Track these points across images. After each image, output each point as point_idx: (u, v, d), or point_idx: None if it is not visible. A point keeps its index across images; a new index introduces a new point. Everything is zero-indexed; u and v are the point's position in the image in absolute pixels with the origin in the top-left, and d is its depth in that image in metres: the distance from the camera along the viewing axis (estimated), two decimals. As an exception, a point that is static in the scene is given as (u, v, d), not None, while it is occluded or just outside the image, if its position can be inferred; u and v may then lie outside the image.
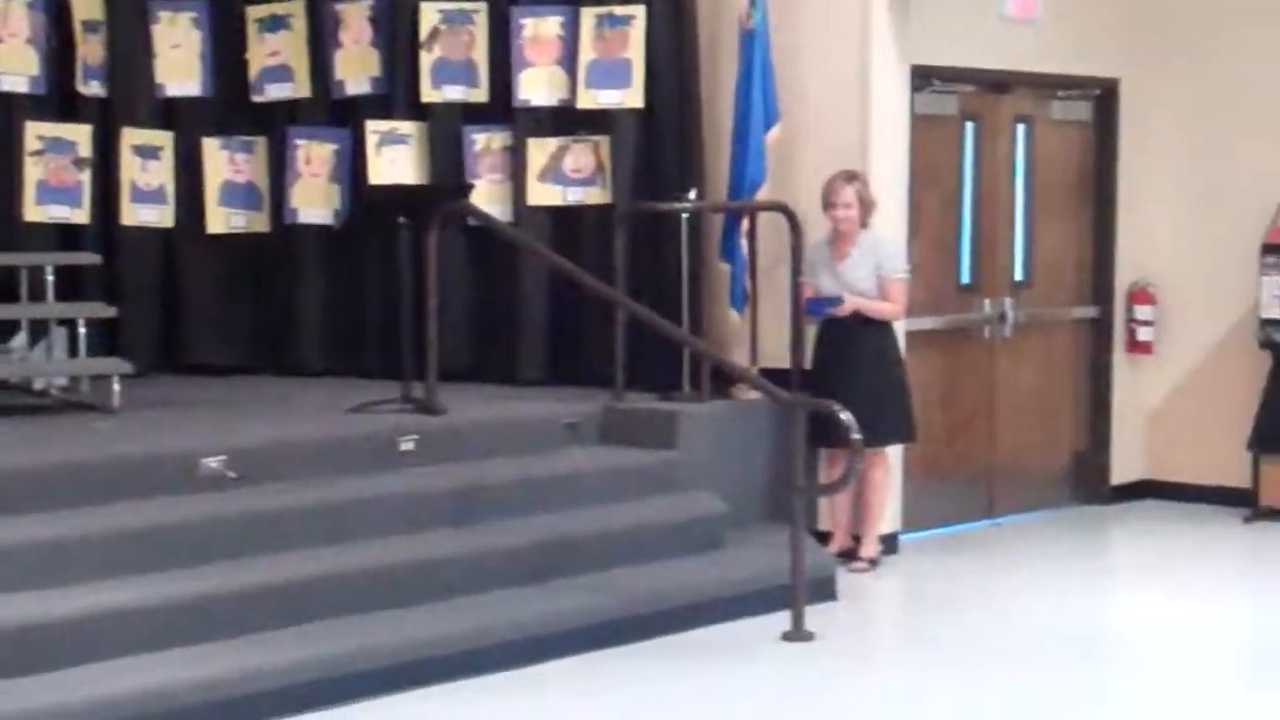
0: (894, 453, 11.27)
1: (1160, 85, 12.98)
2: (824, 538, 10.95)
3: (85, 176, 12.00)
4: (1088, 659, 9.37)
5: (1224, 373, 12.89)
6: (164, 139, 12.25)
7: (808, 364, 11.07)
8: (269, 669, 8.02)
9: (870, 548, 11.01)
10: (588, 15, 11.54)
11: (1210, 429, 12.90)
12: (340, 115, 12.21)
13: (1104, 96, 13.00)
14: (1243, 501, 12.56)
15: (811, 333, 11.07)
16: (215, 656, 8.00)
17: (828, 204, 10.80)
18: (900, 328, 11.24)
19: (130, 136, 12.15)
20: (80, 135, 11.97)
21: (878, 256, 10.85)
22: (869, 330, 10.90)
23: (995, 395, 12.55)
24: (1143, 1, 12.89)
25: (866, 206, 10.80)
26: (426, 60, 11.89)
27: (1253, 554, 11.85)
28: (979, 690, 8.69)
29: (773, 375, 10.59)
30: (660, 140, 11.48)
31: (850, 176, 10.81)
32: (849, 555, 10.94)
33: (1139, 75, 12.97)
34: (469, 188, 11.40)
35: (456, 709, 8.21)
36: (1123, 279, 13.13)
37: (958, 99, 12.15)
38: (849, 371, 10.68)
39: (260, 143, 12.36)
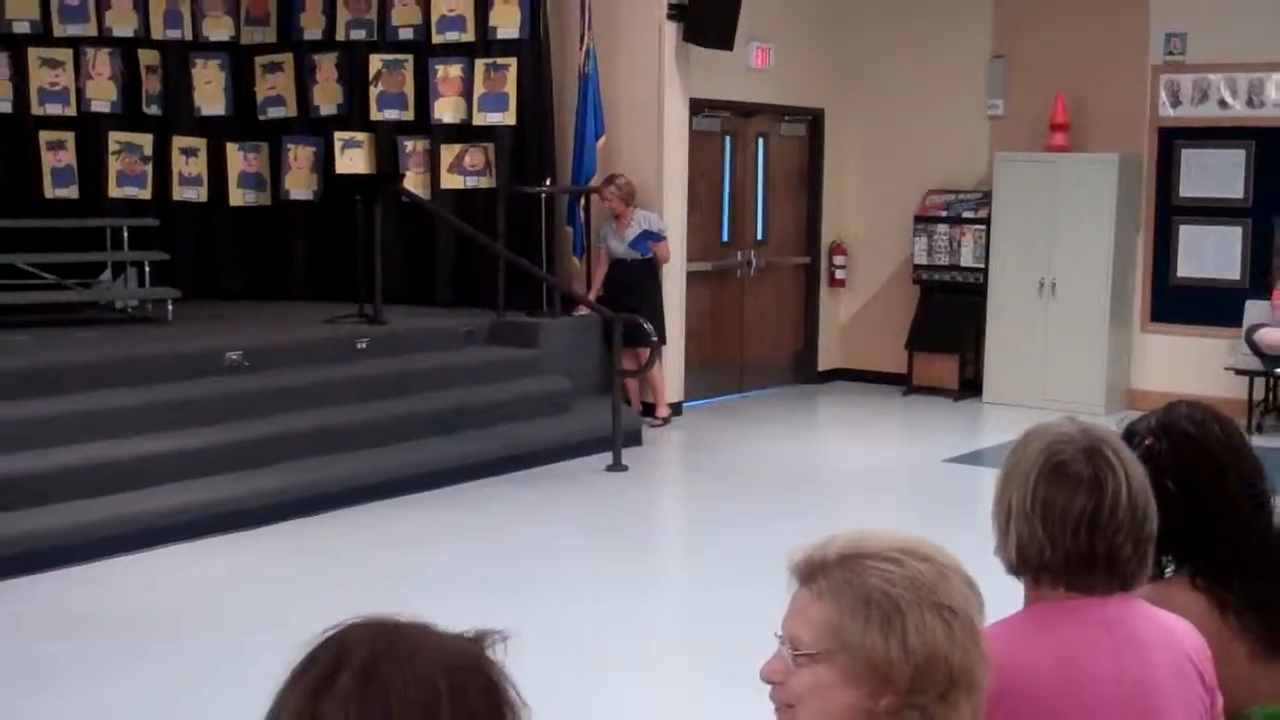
0: (673, 348, 11.33)
1: (849, 113, 13.06)
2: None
3: (148, 168, 11.83)
4: (804, 481, 9.56)
5: (890, 299, 13.01)
6: (200, 143, 12.07)
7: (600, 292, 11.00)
8: (271, 490, 8.09)
9: (662, 410, 11.07)
10: (479, 64, 11.46)
11: (881, 335, 13.03)
12: (317, 128, 12.07)
13: (814, 120, 13.03)
14: (901, 382, 12.72)
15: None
16: (234, 482, 8.05)
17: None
18: (679, 268, 11.34)
19: (178, 142, 11.97)
20: (145, 141, 11.80)
21: (648, 226, 10.89)
22: (644, 271, 10.92)
23: (744, 313, 12.61)
24: (838, 60, 12.94)
25: (624, 196, 10.81)
26: (373, 92, 11.78)
27: (906, 416, 12.08)
28: (734, 501, 8.87)
29: (598, 299, 10.68)
30: (527, 146, 11.43)
31: (606, 182, 10.86)
32: (649, 415, 11.00)
33: (836, 106, 13.02)
34: (401, 176, 11.35)
35: (395, 515, 8.28)
36: (825, 238, 13.20)
37: (720, 120, 12.14)
38: (629, 296, 10.64)
39: (264, 146, 12.21)
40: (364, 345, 9.86)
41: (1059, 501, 2.25)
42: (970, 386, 12.32)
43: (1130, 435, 2.72)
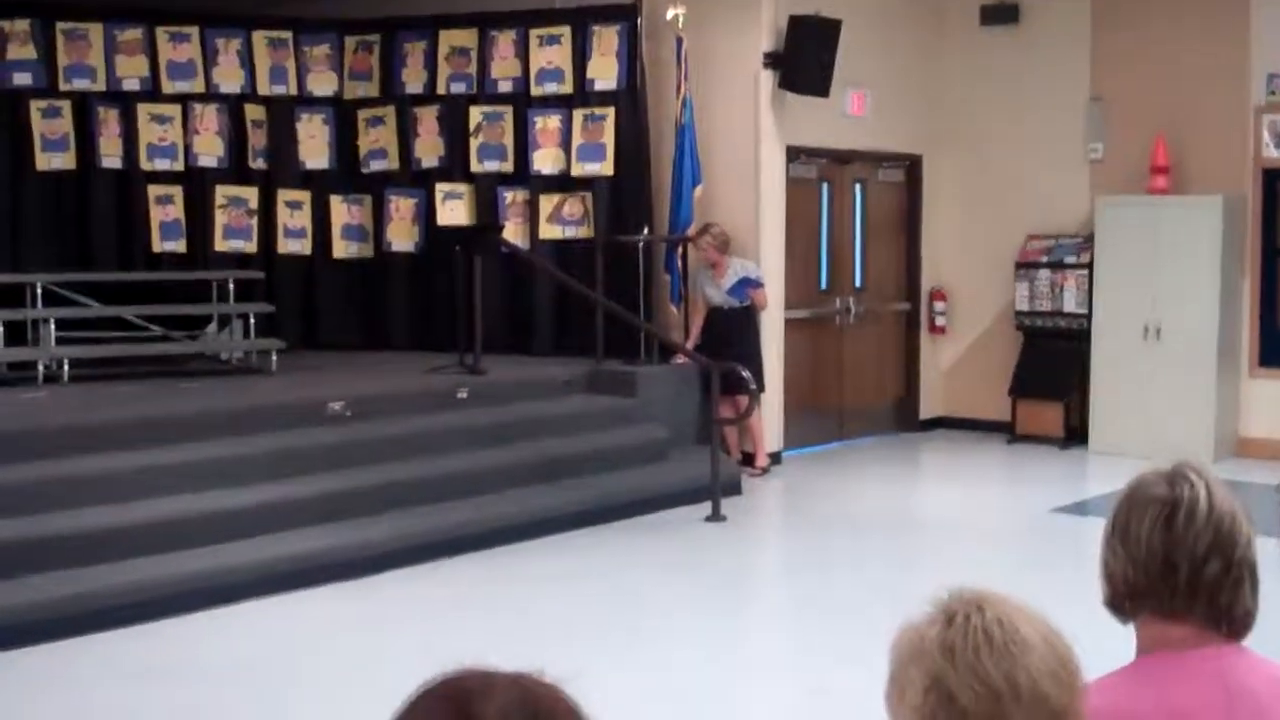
0: (772, 396, 11.28)
1: (948, 159, 12.98)
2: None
3: (254, 221, 12.02)
4: (907, 532, 9.46)
5: (992, 346, 12.87)
6: (304, 196, 12.24)
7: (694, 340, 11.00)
8: (374, 540, 8.13)
9: (761, 460, 11.00)
10: (578, 114, 11.56)
11: (983, 382, 12.89)
12: (418, 180, 12.21)
13: (912, 166, 12.98)
14: (1005, 430, 12.55)
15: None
16: (338, 532, 8.10)
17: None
18: (777, 316, 11.30)
19: (283, 195, 12.16)
20: (251, 194, 12.00)
21: (745, 274, 10.88)
22: (742, 319, 10.90)
23: (844, 360, 12.55)
24: (935, 105, 12.89)
25: (720, 245, 10.81)
26: (474, 144, 11.90)
27: (1010, 464, 11.92)
28: (835, 552, 8.79)
29: (696, 348, 10.67)
30: (625, 195, 11.48)
31: (701, 231, 10.87)
32: (749, 464, 10.95)
33: (934, 152, 12.96)
34: (501, 227, 11.43)
35: (493, 565, 8.29)
36: (925, 284, 13.12)
37: (817, 167, 12.12)
38: (727, 344, 10.60)
39: (367, 198, 12.36)
40: (464, 395, 9.91)
41: (1134, 518, 2.21)
42: (1075, 434, 12.13)
43: None
